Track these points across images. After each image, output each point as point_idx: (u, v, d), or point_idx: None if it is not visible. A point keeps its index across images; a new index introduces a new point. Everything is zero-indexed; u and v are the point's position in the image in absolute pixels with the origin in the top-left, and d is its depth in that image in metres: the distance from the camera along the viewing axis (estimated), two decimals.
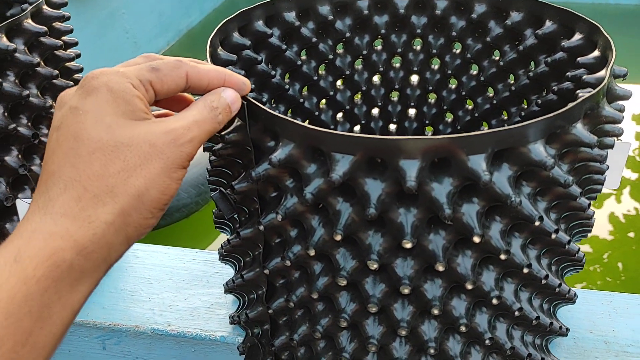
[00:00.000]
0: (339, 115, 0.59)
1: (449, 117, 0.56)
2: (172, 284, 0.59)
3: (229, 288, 0.50)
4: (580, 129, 0.33)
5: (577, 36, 0.44)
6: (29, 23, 0.48)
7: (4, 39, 0.46)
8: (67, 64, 0.54)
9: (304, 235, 0.36)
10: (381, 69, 0.55)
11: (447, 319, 0.37)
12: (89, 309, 0.56)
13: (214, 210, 0.49)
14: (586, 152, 0.35)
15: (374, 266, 0.34)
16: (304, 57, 0.54)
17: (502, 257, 0.34)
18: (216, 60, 0.44)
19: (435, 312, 0.35)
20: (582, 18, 0.44)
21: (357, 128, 0.59)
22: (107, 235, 0.29)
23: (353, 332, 0.39)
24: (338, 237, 0.33)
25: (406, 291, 0.34)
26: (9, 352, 0.26)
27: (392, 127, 0.58)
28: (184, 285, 0.59)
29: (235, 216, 0.45)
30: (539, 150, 0.31)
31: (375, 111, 0.57)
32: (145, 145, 0.30)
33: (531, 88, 0.49)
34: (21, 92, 0.47)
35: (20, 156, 0.49)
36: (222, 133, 0.37)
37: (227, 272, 0.61)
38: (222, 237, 1.60)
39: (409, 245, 0.32)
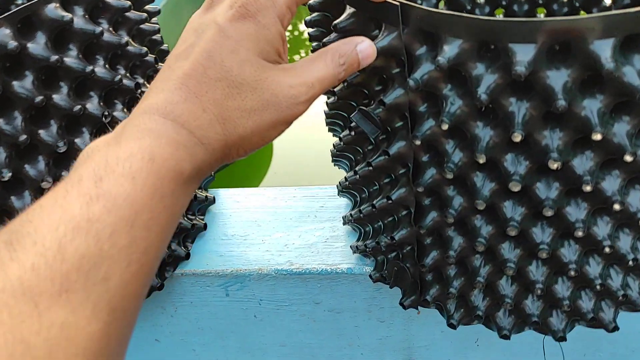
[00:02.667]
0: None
1: (541, 13, 0.51)
2: (281, 224, 0.58)
3: (353, 219, 0.49)
4: None
5: None
6: None
7: (87, 19, 0.41)
8: (153, 37, 0.50)
9: (464, 145, 0.34)
10: None
11: (590, 240, 0.36)
12: (207, 259, 0.55)
13: (334, 143, 0.48)
14: None
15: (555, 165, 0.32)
16: None
17: (628, 158, 0.31)
18: None
19: (579, 234, 0.34)
20: None
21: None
22: (213, 159, 0.30)
23: (516, 240, 0.38)
24: (517, 138, 0.31)
25: (549, 213, 0.33)
26: (156, 251, 0.28)
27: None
28: (293, 224, 0.58)
29: (358, 147, 0.44)
30: None
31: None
32: (268, 94, 0.30)
33: None
34: (114, 77, 0.44)
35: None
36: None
37: (332, 205, 0.60)
38: (268, 177, 1.58)
39: (555, 166, 0.31)
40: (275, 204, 0.61)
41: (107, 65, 0.44)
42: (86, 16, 0.40)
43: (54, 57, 0.38)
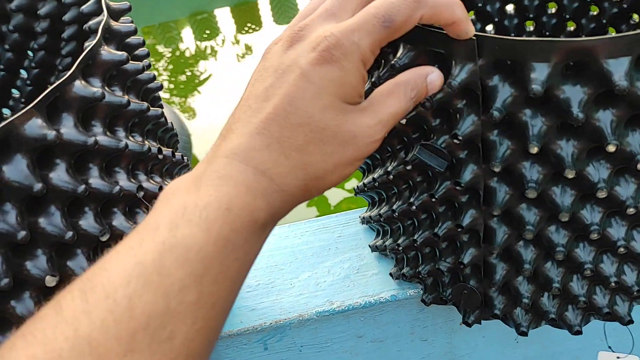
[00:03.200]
0: None
1: (571, 26, 0.54)
2: (304, 262, 0.57)
3: (401, 248, 0.47)
4: None
5: None
6: (106, 51, 0.38)
7: (82, 82, 0.35)
8: (148, 85, 0.44)
9: (542, 163, 0.35)
10: None
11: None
12: (239, 316, 0.52)
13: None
14: None
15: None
16: None
17: None
18: None
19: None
20: None
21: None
22: (290, 204, 0.30)
23: (590, 243, 0.39)
24: (612, 149, 0.32)
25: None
26: (224, 304, 0.28)
27: (490, 27, 0.56)
28: (317, 260, 0.57)
29: (405, 181, 0.43)
30: None
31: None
32: (348, 135, 0.30)
33: None
34: (118, 144, 0.37)
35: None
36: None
37: (349, 233, 0.59)
38: None
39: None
40: (289, 243, 0.59)
41: (107, 132, 0.39)
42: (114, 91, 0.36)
43: (91, 140, 0.34)
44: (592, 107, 0.32)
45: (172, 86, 2.57)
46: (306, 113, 0.29)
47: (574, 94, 0.31)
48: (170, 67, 2.75)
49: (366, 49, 0.29)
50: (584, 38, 0.29)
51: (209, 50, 2.84)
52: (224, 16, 3.12)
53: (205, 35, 2.96)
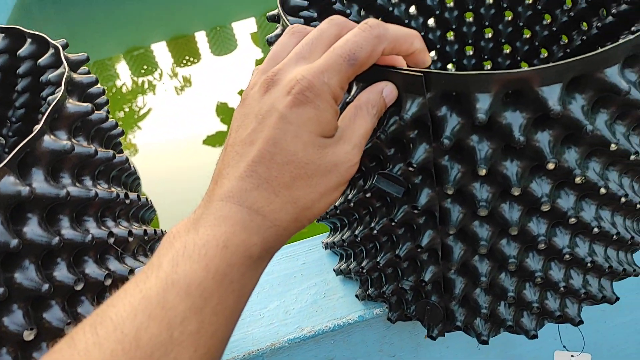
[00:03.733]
0: None
1: (507, 49, 0.58)
2: (271, 292, 0.58)
3: (365, 271, 0.50)
4: None
5: None
6: (71, 104, 0.39)
7: (51, 136, 0.35)
8: (110, 132, 0.45)
9: (490, 183, 0.38)
10: (437, 12, 0.56)
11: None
12: None
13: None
14: None
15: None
16: None
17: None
18: (287, 7, 0.43)
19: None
20: None
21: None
22: (283, 237, 0.32)
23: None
24: (552, 166, 0.35)
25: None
26: (223, 333, 0.30)
27: (451, 66, 0.60)
28: (284, 288, 0.58)
29: (365, 207, 0.45)
30: (615, 76, 0.33)
31: (432, 53, 0.59)
32: (330, 165, 0.33)
33: (589, 11, 0.51)
34: (88, 193, 0.39)
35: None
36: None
37: (312, 259, 0.61)
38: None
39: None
40: None
41: (76, 183, 0.40)
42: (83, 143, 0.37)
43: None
44: (531, 129, 0.35)
45: None
46: (289, 152, 0.31)
47: (515, 119, 0.35)
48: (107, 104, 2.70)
49: (336, 87, 0.32)
50: (519, 69, 0.33)
51: (146, 85, 2.81)
52: (160, 50, 3.10)
53: (143, 71, 2.93)
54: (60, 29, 3.43)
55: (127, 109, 2.66)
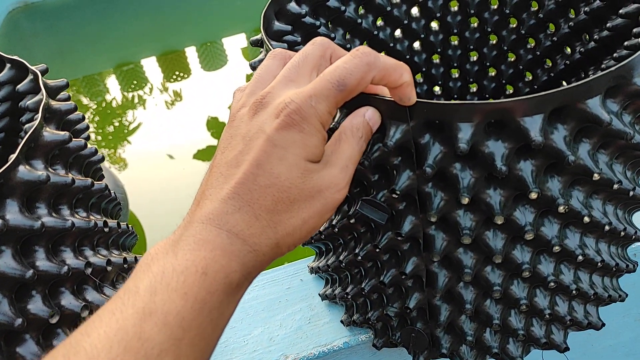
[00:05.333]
0: None
1: (492, 72, 0.59)
2: (255, 318, 0.57)
3: (349, 296, 0.49)
4: None
5: None
6: (48, 132, 0.38)
7: (27, 167, 0.34)
8: (90, 159, 0.44)
9: (473, 211, 0.38)
10: (422, 36, 0.56)
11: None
12: None
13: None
14: None
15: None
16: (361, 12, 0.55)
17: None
18: (270, 32, 0.43)
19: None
20: None
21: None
22: (263, 263, 0.32)
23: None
24: (534, 196, 0.35)
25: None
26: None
27: (437, 88, 0.60)
28: (269, 314, 0.57)
29: (349, 233, 0.45)
30: (597, 107, 0.32)
31: (417, 76, 0.59)
32: (314, 190, 0.32)
33: (572, 36, 0.51)
34: (64, 224, 0.37)
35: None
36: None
37: (298, 284, 0.60)
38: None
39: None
40: None
41: (53, 213, 0.39)
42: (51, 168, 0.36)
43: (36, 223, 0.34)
44: (514, 159, 0.35)
45: (99, 138, 2.51)
46: (272, 174, 0.31)
47: (497, 149, 0.34)
48: (97, 118, 2.69)
49: (324, 112, 0.32)
50: (501, 100, 0.33)
51: (137, 99, 2.81)
52: (150, 65, 3.10)
53: (133, 86, 2.93)
54: (50, 44, 3.42)
55: (116, 124, 2.65)
